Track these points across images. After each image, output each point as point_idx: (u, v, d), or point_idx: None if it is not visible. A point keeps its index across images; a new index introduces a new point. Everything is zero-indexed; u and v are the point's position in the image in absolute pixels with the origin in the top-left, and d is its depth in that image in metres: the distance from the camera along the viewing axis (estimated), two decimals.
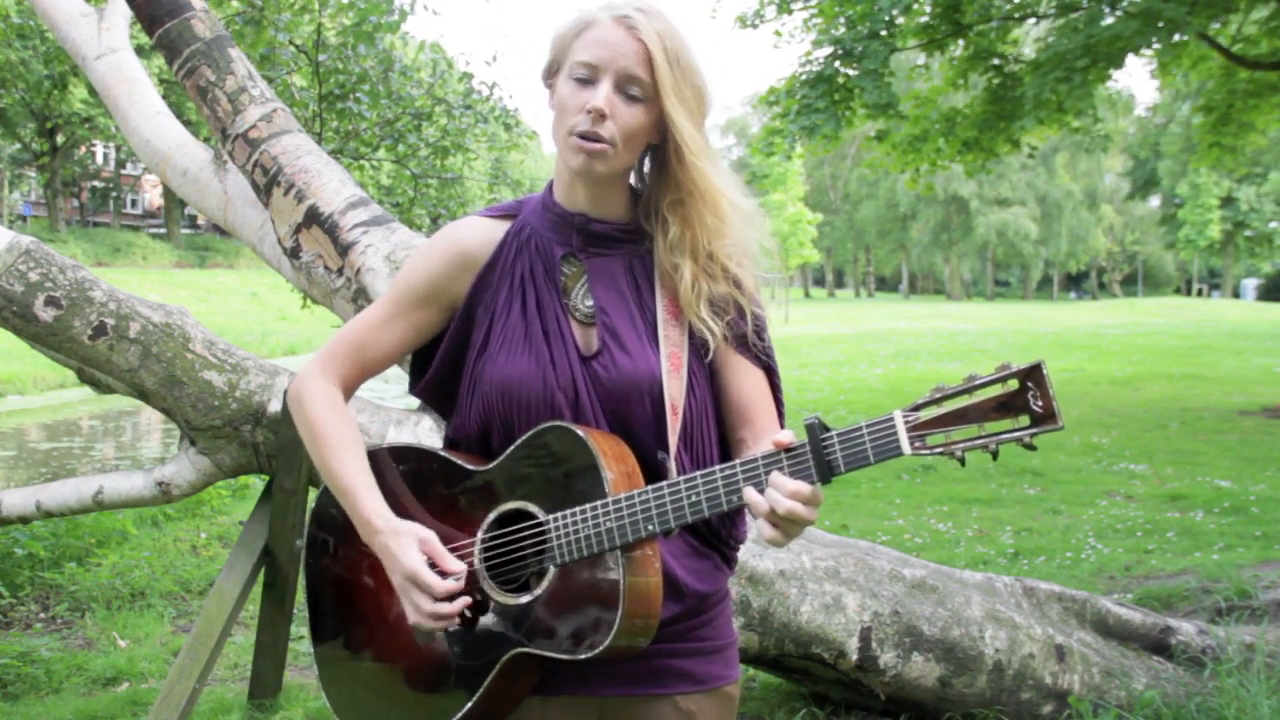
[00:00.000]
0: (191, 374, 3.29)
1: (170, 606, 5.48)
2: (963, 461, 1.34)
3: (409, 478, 1.63)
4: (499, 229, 1.64)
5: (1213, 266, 67.38)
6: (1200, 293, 68.46)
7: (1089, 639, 3.52)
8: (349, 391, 1.67)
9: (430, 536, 1.52)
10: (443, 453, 1.62)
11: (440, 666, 1.57)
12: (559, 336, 1.56)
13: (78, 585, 5.75)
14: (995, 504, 7.33)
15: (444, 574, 1.50)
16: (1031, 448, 1.31)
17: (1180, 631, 3.56)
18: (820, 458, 1.36)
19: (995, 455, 1.33)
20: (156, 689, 4.03)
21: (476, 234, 1.64)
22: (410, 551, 1.50)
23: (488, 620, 1.53)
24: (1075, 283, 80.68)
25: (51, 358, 3.40)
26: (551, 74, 1.58)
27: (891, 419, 1.34)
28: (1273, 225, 54.45)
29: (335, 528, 1.70)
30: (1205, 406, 12.15)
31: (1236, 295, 62.10)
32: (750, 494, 1.38)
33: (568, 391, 1.54)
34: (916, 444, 1.33)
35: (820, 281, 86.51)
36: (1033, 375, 1.30)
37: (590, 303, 1.58)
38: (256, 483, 7.03)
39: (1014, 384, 1.31)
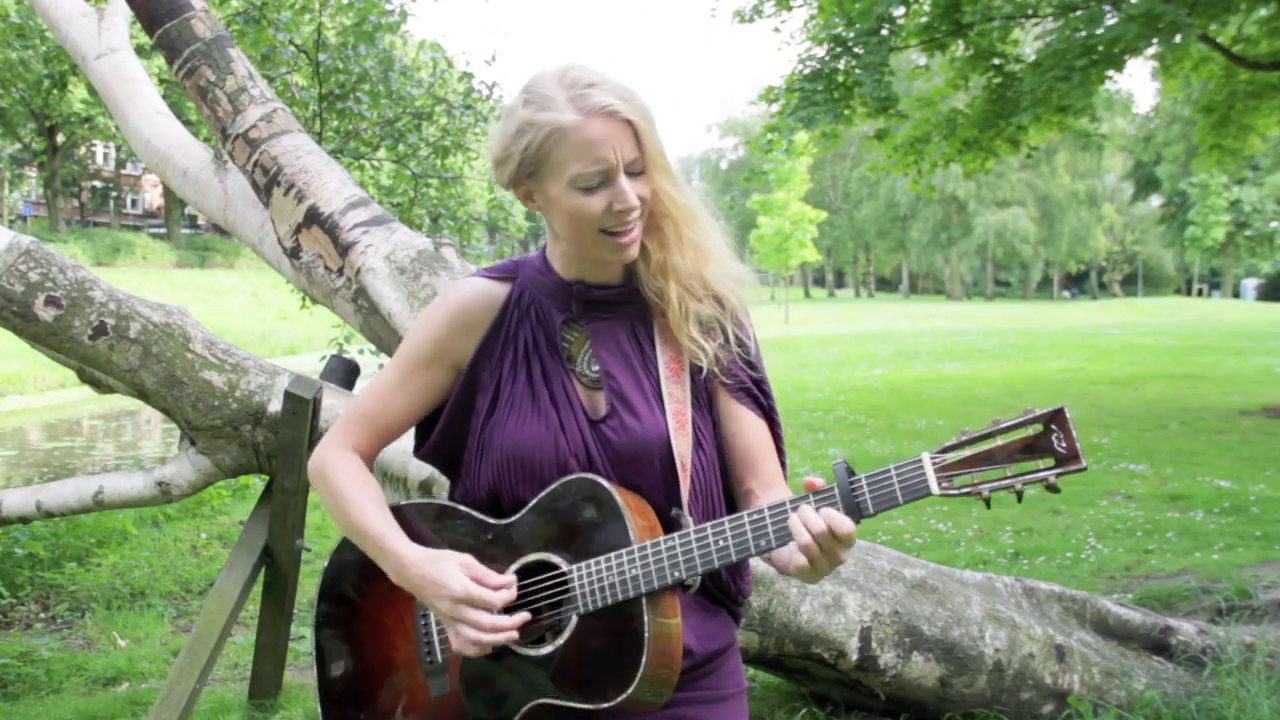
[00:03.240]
0: (191, 374, 3.29)
1: (170, 606, 5.48)
2: (988, 503, 1.38)
3: (430, 532, 1.63)
4: (500, 291, 1.63)
5: (1213, 266, 67.38)
6: (1200, 293, 68.45)
7: (1089, 639, 3.52)
8: (366, 460, 1.67)
9: (469, 559, 1.51)
10: (463, 508, 1.62)
11: None
12: (566, 402, 1.57)
13: (78, 585, 5.75)
14: (995, 504, 7.29)
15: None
16: (1055, 489, 1.35)
17: (1180, 631, 3.56)
18: (849, 499, 1.38)
19: (1020, 497, 1.37)
20: (156, 689, 4.04)
21: (477, 295, 1.63)
22: (457, 574, 1.48)
23: (506, 672, 1.52)
24: (1076, 282, 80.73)
25: (51, 357, 3.40)
26: (519, 181, 1.52)
27: (920, 460, 1.37)
28: (1273, 225, 54.43)
29: (345, 597, 1.70)
30: (1205, 406, 12.14)
31: (1236, 295, 62.08)
32: (793, 519, 1.39)
33: (579, 456, 1.54)
34: (944, 484, 1.36)
35: (820, 281, 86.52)
36: (1056, 418, 1.34)
37: (596, 367, 1.59)
38: (256, 483, 7.04)
39: (1038, 427, 1.35)
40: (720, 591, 1.62)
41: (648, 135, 1.46)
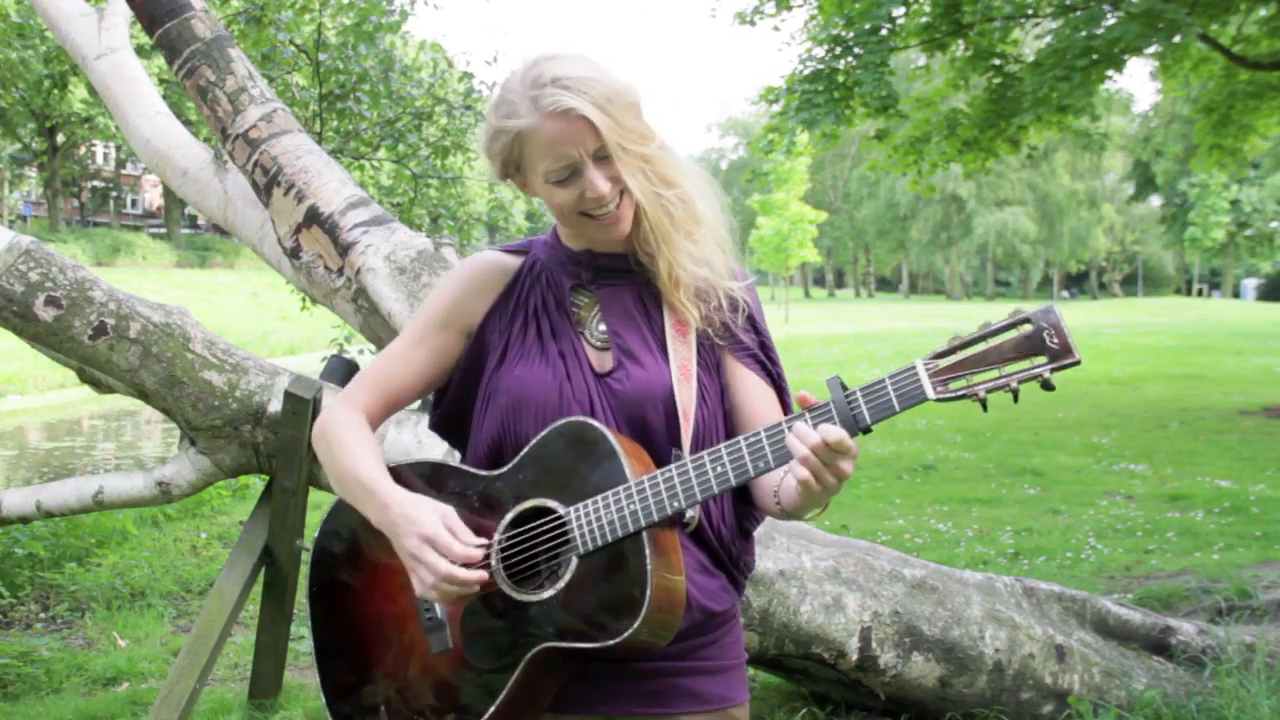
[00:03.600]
0: (191, 374, 3.29)
1: (170, 606, 5.48)
2: (985, 405, 1.37)
3: (423, 488, 1.63)
4: (514, 261, 1.69)
5: (1213, 266, 67.39)
6: (1200, 293, 68.45)
7: (1089, 639, 3.52)
8: (374, 422, 1.69)
9: (450, 511, 1.52)
10: (454, 464, 1.64)
11: (461, 675, 1.56)
12: (574, 357, 1.60)
13: (78, 585, 5.75)
14: (995, 504, 7.33)
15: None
16: (1050, 386, 1.34)
17: (1180, 631, 3.56)
18: (845, 413, 1.37)
19: (1016, 396, 1.36)
20: (156, 689, 4.04)
21: (493, 262, 1.70)
22: (430, 517, 1.50)
23: (507, 621, 1.52)
24: (1076, 282, 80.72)
25: (51, 357, 3.40)
26: (508, 175, 1.61)
27: (913, 367, 1.36)
28: (1274, 225, 54.44)
29: (339, 563, 1.70)
30: (1205, 406, 12.15)
31: (1236, 295, 62.09)
32: (789, 437, 1.40)
33: (583, 404, 1.56)
34: (940, 389, 1.35)
35: (820, 281, 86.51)
36: (1047, 317, 1.33)
37: (604, 329, 1.62)
38: (256, 483, 7.03)
39: (1028, 326, 1.34)
40: (724, 553, 1.62)
41: (607, 128, 1.48)
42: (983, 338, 1.36)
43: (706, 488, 1.44)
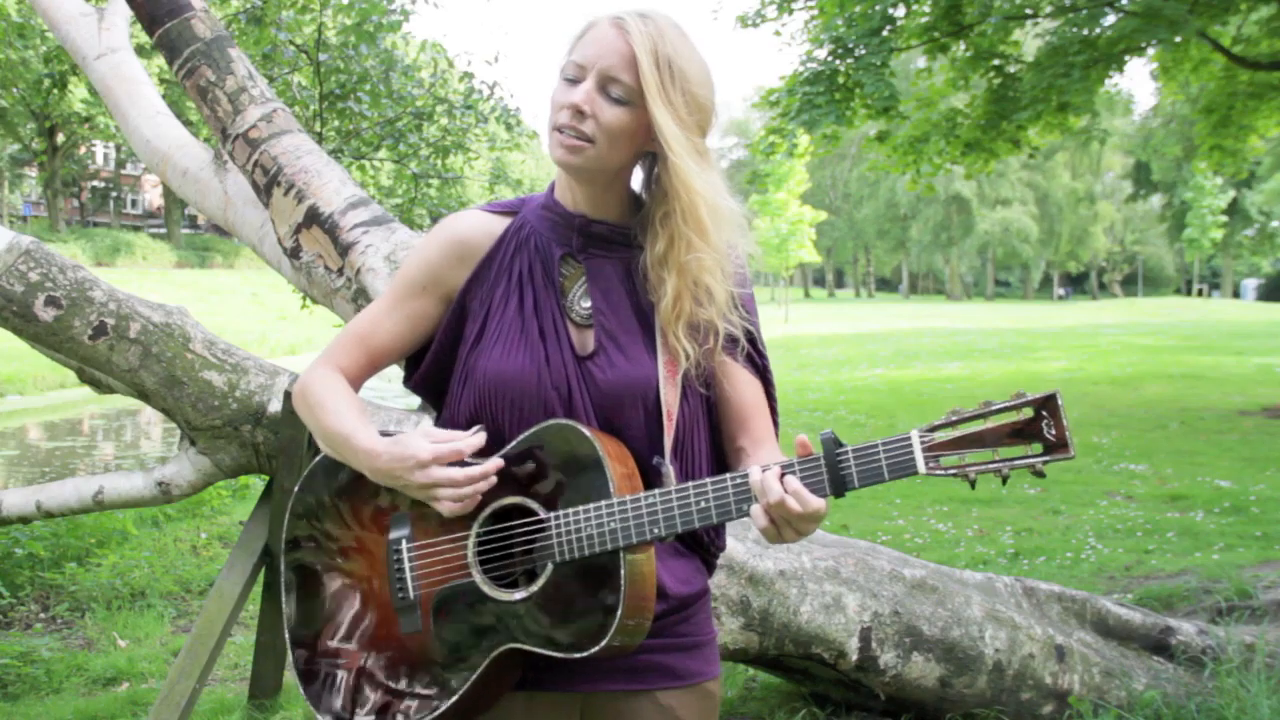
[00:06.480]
0: (191, 374, 3.29)
1: (170, 606, 5.48)
2: (973, 484, 1.37)
3: None
4: (499, 224, 1.63)
5: (1213, 266, 67.40)
6: (1200, 293, 68.47)
7: (1089, 639, 3.52)
8: (354, 382, 1.66)
9: (429, 426, 1.52)
10: None
11: (427, 661, 1.56)
12: (555, 336, 1.56)
13: (78, 585, 5.75)
14: (995, 504, 7.33)
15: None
16: (1041, 475, 1.34)
17: (1180, 631, 3.56)
18: (834, 471, 1.37)
19: (1005, 480, 1.36)
20: (156, 689, 4.04)
21: (475, 226, 1.64)
22: (420, 442, 1.48)
23: (477, 615, 1.52)
24: (1075, 283, 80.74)
25: (51, 358, 3.40)
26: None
27: (908, 438, 1.36)
28: (1275, 225, 54.47)
29: (315, 532, 1.70)
30: (1205, 406, 12.15)
31: (1236, 295, 62.11)
32: (758, 483, 1.39)
33: (561, 390, 1.54)
34: (931, 464, 1.35)
35: (820, 281, 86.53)
36: (1047, 404, 1.33)
37: (587, 304, 1.58)
38: (256, 483, 7.04)
39: (1028, 412, 1.34)
40: (693, 538, 1.63)
41: (647, 71, 1.47)
42: (982, 416, 1.36)
43: (688, 521, 1.44)
